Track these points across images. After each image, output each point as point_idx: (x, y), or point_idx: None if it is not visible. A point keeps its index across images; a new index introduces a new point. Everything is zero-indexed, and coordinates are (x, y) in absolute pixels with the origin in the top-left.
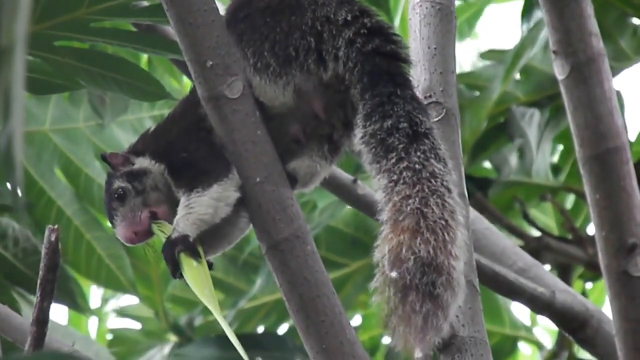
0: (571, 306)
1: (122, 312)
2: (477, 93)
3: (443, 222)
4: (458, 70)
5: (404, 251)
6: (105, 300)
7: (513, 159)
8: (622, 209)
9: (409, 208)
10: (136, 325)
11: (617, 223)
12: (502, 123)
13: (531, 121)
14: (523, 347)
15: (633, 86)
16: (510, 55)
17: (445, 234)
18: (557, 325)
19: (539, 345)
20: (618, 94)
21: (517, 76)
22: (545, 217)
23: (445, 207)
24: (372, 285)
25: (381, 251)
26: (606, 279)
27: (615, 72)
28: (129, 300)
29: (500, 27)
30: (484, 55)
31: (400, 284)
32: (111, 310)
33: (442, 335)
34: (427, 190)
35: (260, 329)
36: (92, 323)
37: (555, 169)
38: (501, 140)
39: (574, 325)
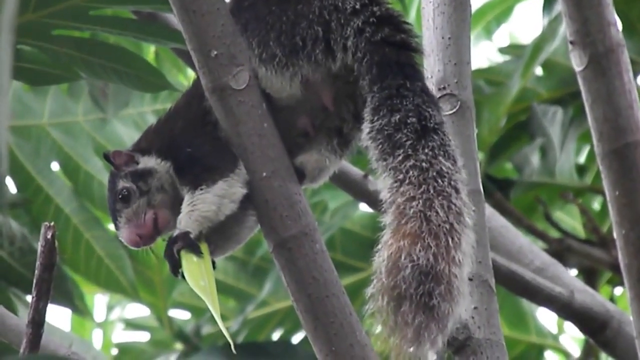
0: (590, 307)
1: (130, 324)
2: None
3: (447, 226)
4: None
5: (402, 258)
6: (110, 308)
7: (535, 159)
8: None
9: (412, 211)
10: (145, 337)
11: (638, 220)
12: (523, 121)
13: (554, 119)
14: (549, 356)
15: None
16: (530, 49)
17: (449, 238)
18: (576, 327)
19: (566, 354)
20: None
21: (540, 72)
22: (571, 219)
23: (451, 210)
24: (367, 292)
25: (380, 256)
26: (626, 279)
27: None
28: (137, 309)
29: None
30: (503, 51)
31: (395, 293)
32: (118, 319)
33: (437, 347)
34: (432, 191)
35: (274, 338)
36: (97, 335)
37: (581, 170)
38: (522, 140)
39: (593, 326)
